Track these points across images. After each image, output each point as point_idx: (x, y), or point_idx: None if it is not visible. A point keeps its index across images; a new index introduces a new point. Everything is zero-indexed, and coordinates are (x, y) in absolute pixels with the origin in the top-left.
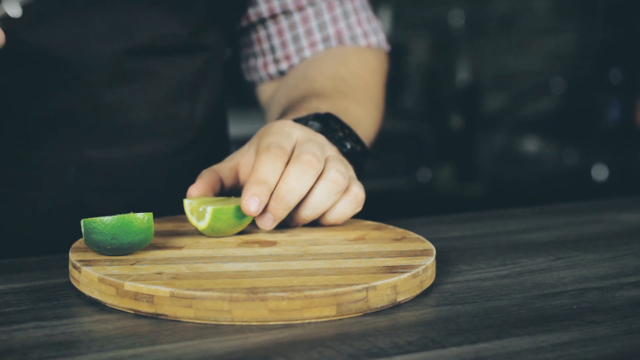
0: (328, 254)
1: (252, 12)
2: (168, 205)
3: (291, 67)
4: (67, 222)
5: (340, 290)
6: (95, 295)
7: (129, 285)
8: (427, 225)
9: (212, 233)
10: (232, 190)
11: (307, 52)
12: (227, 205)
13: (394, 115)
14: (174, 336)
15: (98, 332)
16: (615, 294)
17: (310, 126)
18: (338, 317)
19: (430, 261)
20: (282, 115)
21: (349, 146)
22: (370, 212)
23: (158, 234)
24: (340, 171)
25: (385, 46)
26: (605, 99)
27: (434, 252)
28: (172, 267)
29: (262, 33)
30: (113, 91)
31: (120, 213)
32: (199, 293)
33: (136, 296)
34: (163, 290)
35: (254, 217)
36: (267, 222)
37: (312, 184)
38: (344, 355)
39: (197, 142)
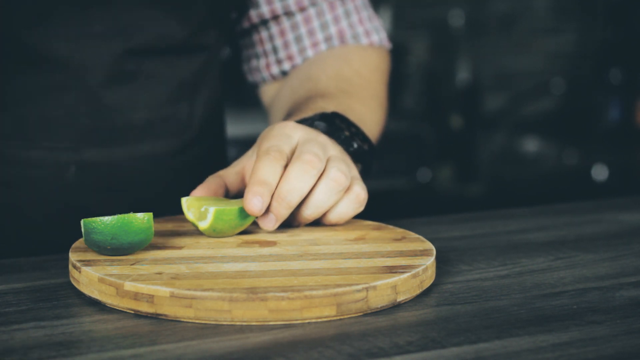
0: (328, 254)
1: (253, 14)
2: (168, 205)
3: (294, 67)
4: (67, 223)
5: (340, 290)
6: (95, 295)
7: (129, 285)
8: (427, 225)
9: (212, 233)
10: (237, 195)
11: (310, 52)
12: (229, 207)
13: (394, 115)
14: (174, 336)
15: (98, 332)
16: (615, 294)
17: (316, 126)
18: (338, 317)
19: (430, 261)
20: (288, 116)
21: (355, 145)
22: (371, 212)
23: (158, 234)
24: (342, 170)
25: (387, 44)
26: (605, 99)
27: (434, 252)
28: (172, 267)
29: (264, 34)
30: (112, 91)
31: (120, 213)
32: (199, 293)
33: (136, 296)
34: (163, 290)
35: (257, 217)
36: (270, 223)
37: (313, 183)
38: (344, 355)
39: (196, 142)
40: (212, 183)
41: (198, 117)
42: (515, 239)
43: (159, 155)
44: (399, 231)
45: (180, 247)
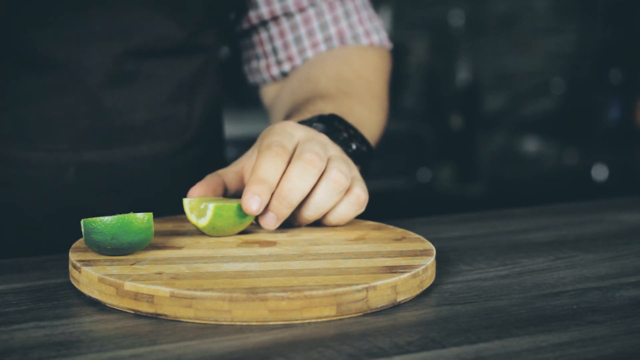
0: (328, 254)
1: (253, 15)
2: (167, 206)
3: (294, 68)
4: (67, 223)
5: (340, 290)
6: (95, 295)
7: (129, 285)
8: (427, 225)
9: (212, 231)
10: (236, 195)
11: (310, 53)
12: (229, 203)
13: (394, 115)
14: (174, 336)
15: (98, 332)
16: (615, 294)
17: (315, 128)
18: (338, 317)
19: (430, 261)
20: (287, 117)
21: (354, 147)
22: (371, 212)
23: (158, 234)
24: (342, 171)
25: (388, 44)
26: (605, 99)
27: (434, 252)
28: (172, 267)
29: (263, 35)
30: (112, 92)
31: (119, 213)
32: (199, 293)
33: (136, 296)
34: (163, 290)
35: (257, 216)
36: (271, 222)
37: (314, 182)
38: (344, 355)
39: (195, 142)
40: (211, 181)
41: (197, 117)
42: (515, 239)
43: (158, 156)
44: (399, 231)
45: (180, 247)
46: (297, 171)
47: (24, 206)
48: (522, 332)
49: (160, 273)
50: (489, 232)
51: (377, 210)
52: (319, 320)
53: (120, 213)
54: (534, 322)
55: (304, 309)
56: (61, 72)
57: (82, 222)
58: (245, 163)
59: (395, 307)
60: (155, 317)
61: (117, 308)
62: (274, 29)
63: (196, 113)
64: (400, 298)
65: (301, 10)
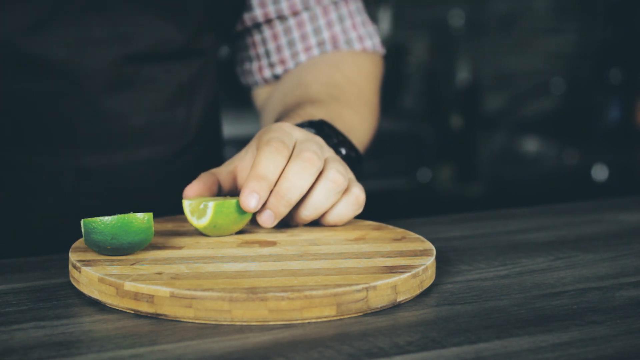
0: (328, 254)
1: (247, 17)
2: (166, 209)
3: (286, 71)
4: (67, 225)
5: (340, 290)
6: (95, 295)
7: (129, 285)
8: (427, 225)
9: (213, 230)
10: (230, 193)
11: (302, 57)
12: (229, 200)
13: (394, 115)
14: (174, 336)
15: (98, 332)
16: (615, 294)
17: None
18: (338, 317)
19: (430, 261)
20: (277, 120)
21: (344, 152)
22: (370, 212)
23: (158, 234)
24: (340, 172)
25: (381, 50)
26: (605, 99)
27: (434, 252)
28: (172, 267)
29: (257, 37)
30: (111, 97)
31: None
32: (199, 293)
33: (136, 296)
34: (163, 290)
35: (255, 214)
36: (268, 220)
37: (312, 181)
38: (344, 355)
39: (193, 145)
40: (206, 180)
41: (195, 120)
42: (515, 239)
43: (157, 160)
44: (399, 231)
45: (180, 247)
46: (295, 170)
47: (24, 209)
48: (522, 332)
49: (160, 273)
50: (489, 232)
51: (377, 210)
52: (319, 320)
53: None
54: (534, 322)
55: (304, 309)
56: (61, 77)
57: (82, 222)
58: (238, 163)
59: (395, 307)
60: (155, 317)
61: (117, 308)
62: (267, 32)
63: (195, 116)
64: (400, 298)
65: (295, 14)
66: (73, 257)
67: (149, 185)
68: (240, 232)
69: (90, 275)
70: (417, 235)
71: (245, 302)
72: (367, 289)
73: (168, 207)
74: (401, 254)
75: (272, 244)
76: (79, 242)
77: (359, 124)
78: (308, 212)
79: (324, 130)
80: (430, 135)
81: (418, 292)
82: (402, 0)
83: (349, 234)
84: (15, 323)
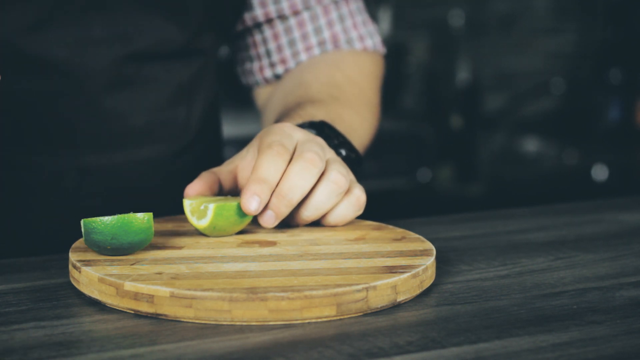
0: (328, 254)
1: (247, 17)
2: (166, 209)
3: (287, 70)
4: (67, 225)
5: (340, 290)
6: (95, 295)
7: (129, 285)
8: (427, 225)
9: (213, 231)
10: (230, 192)
11: (303, 56)
12: (229, 203)
13: (394, 115)
14: (174, 336)
15: (98, 332)
16: (615, 294)
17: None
18: (338, 317)
19: (430, 261)
20: (278, 121)
21: (344, 153)
22: (370, 212)
23: (158, 234)
24: (342, 173)
25: (381, 49)
26: (605, 99)
27: (434, 252)
28: (172, 267)
29: (257, 37)
30: (112, 97)
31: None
32: (199, 293)
33: (136, 296)
34: (163, 290)
35: (255, 215)
36: (269, 220)
37: (314, 182)
38: (344, 355)
39: (193, 145)
40: (208, 178)
41: (196, 120)
42: (515, 239)
43: (158, 159)
44: (399, 231)
45: (180, 247)
46: (297, 170)
47: (25, 209)
48: (522, 332)
49: (160, 273)
50: (489, 232)
51: (377, 210)
52: (319, 320)
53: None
54: (534, 322)
55: (304, 309)
56: (61, 76)
57: (82, 222)
58: (238, 163)
59: (395, 307)
60: (155, 317)
61: (117, 308)
62: (268, 32)
63: (195, 115)
64: (400, 298)
65: (296, 13)
66: (73, 257)
67: (149, 185)
68: (241, 232)
69: (90, 275)
70: (417, 235)
71: (245, 302)
72: (367, 289)
73: (168, 207)
74: (401, 254)
75: (272, 244)
76: (79, 242)
77: (359, 124)
78: (309, 213)
79: (325, 131)
80: (430, 135)
81: (418, 292)
82: (402, 0)
83: (349, 234)
84: (15, 323)
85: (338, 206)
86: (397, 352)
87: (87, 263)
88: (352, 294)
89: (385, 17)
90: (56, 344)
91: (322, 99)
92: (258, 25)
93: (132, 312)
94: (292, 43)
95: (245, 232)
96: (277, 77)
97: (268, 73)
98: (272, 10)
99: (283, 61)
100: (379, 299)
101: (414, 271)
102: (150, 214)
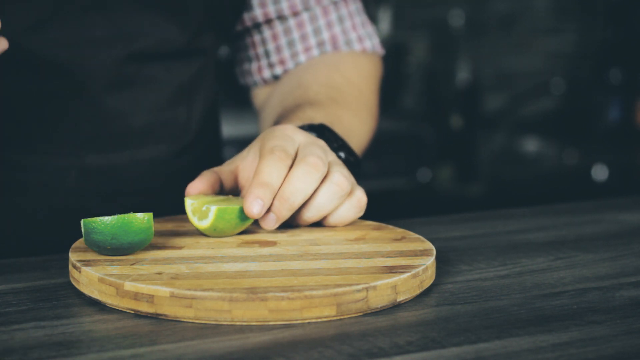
0: (328, 254)
1: (246, 17)
2: (167, 209)
3: (285, 71)
4: (68, 225)
5: (340, 290)
6: (95, 295)
7: (129, 285)
8: (427, 225)
9: (213, 233)
10: (231, 192)
11: (302, 57)
12: (231, 206)
13: (394, 115)
14: (174, 336)
15: (98, 332)
16: (615, 294)
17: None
18: (338, 317)
19: (430, 261)
20: (276, 122)
21: (343, 156)
22: (370, 212)
23: (158, 234)
24: (344, 175)
25: (380, 50)
26: (605, 99)
27: (434, 252)
28: (172, 267)
29: (256, 37)
30: (112, 97)
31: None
32: (199, 293)
33: (136, 296)
34: (163, 290)
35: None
36: (270, 222)
37: (316, 186)
38: (344, 355)
39: (194, 145)
40: (209, 177)
41: (196, 119)
42: (515, 239)
43: (158, 159)
44: (399, 231)
45: (180, 247)
46: (300, 174)
47: (25, 209)
48: (522, 332)
49: (160, 273)
50: (489, 232)
51: (377, 210)
52: (319, 320)
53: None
54: (534, 322)
55: (304, 309)
56: (63, 76)
57: (82, 222)
58: (239, 163)
59: (395, 307)
60: (155, 317)
61: (117, 308)
62: (267, 32)
63: (195, 116)
64: (400, 298)
65: (295, 14)
66: (73, 257)
67: (149, 185)
68: (241, 232)
69: (90, 275)
70: (417, 235)
71: (245, 302)
72: (367, 289)
73: (168, 207)
74: (401, 254)
75: (272, 244)
76: (79, 242)
77: (358, 127)
78: (311, 214)
79: (325, 134)
80: (430, 135)
81: (418, 292)
82: (402, 0)
83: (349, 234)
84: (15, 323)
85: (340, 208)
86: (397, 352)
87: (87, 263)
88: (352, 294)
89: (385, 17)
90: (56, 344)
91: (321, 101)
92: (257, 26)
93: (132, 312)
94: (291, 44)
95: (245, 232)
96: (276, 77)
97: (266, 74)
98: (271, 10)
99: (282, 62)
100: (379, 299)
101: (414, 271)
102: (150, 214)
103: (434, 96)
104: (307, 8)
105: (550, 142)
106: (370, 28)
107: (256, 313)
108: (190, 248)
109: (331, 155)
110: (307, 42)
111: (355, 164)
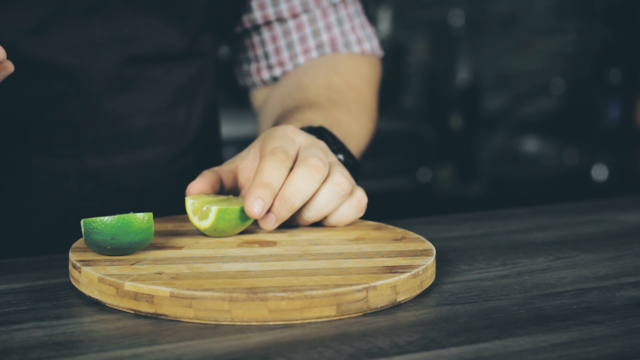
0: (328, 254)
1: (246, 19)
2: (166, 210)
3: (284, 73)
4: (67, 226)
5: (340, 290)
6: (95, 295)
7: (129, 285)
8: (427, 225)
9: (213, 233)
10: (230, 192)
11: (301, 59)
12: (232, 206)
13: (394, 115)
14: (174, 336)
15: (98, 332)
16: (615, 294)
17: None
18: (338, 317)
19: (430, 261)
20: (275, 124)
21: (342, 159)
22: (370, 212)
23: (158, 234)
24: (345, 175)
25: (379, 52)
26: (605, 99)
27: (434, 252)
28: (172, 267)
29: (255, 39)
30: (113, 99)
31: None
32: (199, 293)
33: (136, 296)
34: (163, 290)
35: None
36: (270, 223)
37: (317, 187)
38: (344, 355)
39: (193, 147)
40: (210, 177)
41: (195, 121)
42: (515, 239)
43: (158, 161)
44: (399, 231)
45: (180, 247)
46: (301, 175)
47: (25, 210)
48: (522, 332)
49: (160, 273)
50: (489, 232)
51: (377, 210)
52: (319, 320)
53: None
54: (534, 322)
55: (304, 309)
56: (63, 79)
57: (82, 222)
58: (239, 163)
59: (395, 307)
60: (155, 317)
61: (117, 308)
62: (266, 34)
63: (195, 117)
64: (400, 298)
65: (294, 16)
66: (73, 257)
67: (149, 187)
68: (241, 232)
69: (90, 275)
70: (417, 235)
71: (245, 302)
72: (367, 289)
73: (169, 209)
74: (401, 254)
75: (272, 244)
76: (79, 242)
77: (357, 129)
78: (311, 214)
79: (324, 137)
80: (430, 135)
81: (418, 292)
82: (402, 0)
83: (349, 234)
84: (15, 323)
85: (340, 208)
86: (397, 352)
87: (87, 263)
88: (352, 294)
89: (385, 17)
90: (56, 344)
91: (320, 103)
92: (256, 28)
93: (132, 312)
94: (290, 46)
95: (245, 232)
96: (275, 79)
97: (265, 75)
98: (270, 12)
99: (281, 63)
100: (379, 299)
101: (414, 271)
102: (150, 214)
103: (434, 96)
104: (306, 10)
105: (550, 142)
106: (369, 30)
107: (256, 313)
108: (190, 248)
109: (331, 157)
110: (306, 44)
111: (354, 167)
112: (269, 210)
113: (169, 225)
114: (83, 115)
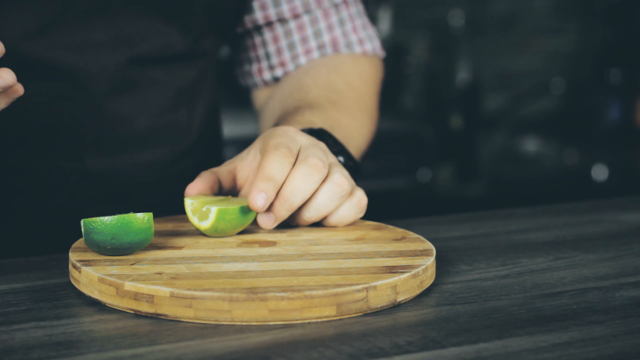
0: (328, 254)
1: (247, 19)
2: (167, 211)
3: (286, 73)
4: (68, 227)
5: (340, 290)
6: (95, 295)
7: (129, 285)
8: (427, 225)
9: (214, 233)
10: (229, 193)
11: (302, 60)
12: (231, 206)
13: (394, 115)
14: (174, 336)
15: (98, 332)
16: (615, 294)
17: None
18: (338, 317)
19: (430, 261)
20: (276, 125)
21: (342, 161)
22: (370, 212)
23: (158, 234)
24: (345, 176)
25: (381, 53)
26: (605, 99)
27: (434, 252)
28: (172, 267)
29: (257, 39)
30: (115, 100)
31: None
32: (199, 293)
33: (136, 296)
34: (163, 290)
35: (258, 215)
36: (269, 222)
37: (316, 187)
38: (344, 355)
39: (195, 147)
40: (208, 178)
41: (197, 122)
42: (515, 239)
43: (160, 162)
44: (399, 231)
45: (180, 247)
46: (300, 175)
47: (26, 210)
48: (522, 332)
49: (160, 273)
50: (489, 232)
51: (377, 210)
52: (319, 320)
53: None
54: (534, 322)
55: (304, 309)
56: (65, 80)
57: (82, 222)
58: (238, 164)
59: (395, 307)
60: (155, 317)
61: (117, 308)
62: (267, 34)
63: (196, 118)
64: (400, 298)
65: (296, 16)
66: (73, 257)
67: (152, 187)
68: (241, 232)
69: (90, 275)
70: (417, 235)
71: (245, 302)
72: (367, 289)
73: (170, 210)
74: (401, 254)
75: (272, 244)
76: (79, 242)
77: (357, 130)
78: (310, 214)
79: (324, 139)
80: (430, 135)
81: (418, 292)
82: (402, 0)
83: (349, 234)
84: (15, 323)
85: (340, 208)
86: (397, 352)
87: (87, 263)
88: (352, 294)
89: (385, 17)
90: (56, 344)
91: (320, 104)
92: (258, 28)
93: (132, 312)
94: (291, 46)
95: (245, 232)
96: (276, 79)
97: (267, 75)
98: (272, 13)
99: (282, 64)
100: (379, 299)
101: (414, 271)
102: (150, 214)
103: (434, 96)
104: (307, 11)
105: (550, 142)
106: (371, 30)
107: (256, 313)
108: (190, 248)
109: (331, 157)
110: (307, 44)
111: (354, 169)
112: (268, 210)
113: (169, 225)
114: (85, 116)
